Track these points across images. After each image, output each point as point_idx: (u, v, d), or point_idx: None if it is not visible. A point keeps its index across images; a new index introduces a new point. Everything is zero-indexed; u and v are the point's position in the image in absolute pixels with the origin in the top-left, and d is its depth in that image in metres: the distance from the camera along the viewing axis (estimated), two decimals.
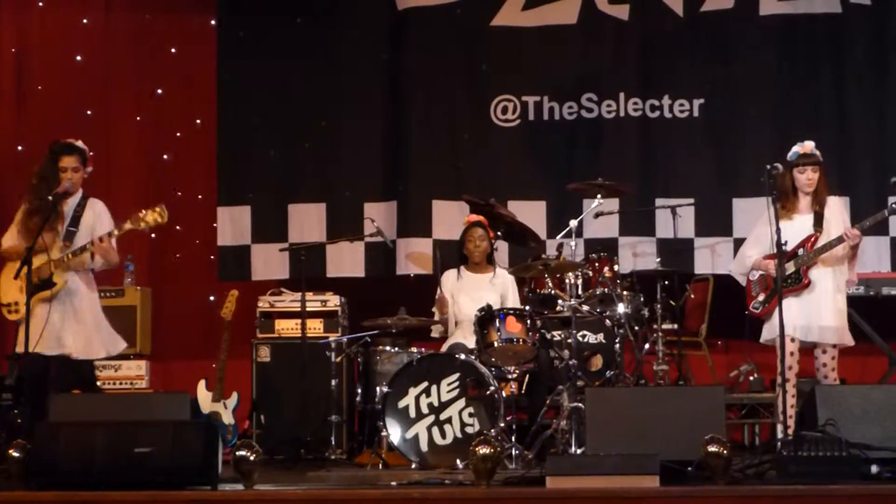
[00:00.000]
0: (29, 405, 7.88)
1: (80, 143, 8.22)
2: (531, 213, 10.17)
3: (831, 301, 7.97)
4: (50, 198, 7.92)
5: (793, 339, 7.83)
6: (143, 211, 7.88)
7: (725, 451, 6.62)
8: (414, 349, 8.95)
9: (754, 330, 8.20)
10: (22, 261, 7.69)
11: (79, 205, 8.15)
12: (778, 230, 7.65)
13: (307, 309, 9.28)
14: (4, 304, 8.03)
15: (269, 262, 10.47)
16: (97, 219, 8.13)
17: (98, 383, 8.69)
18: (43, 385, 7.96)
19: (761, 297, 8.08)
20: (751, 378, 9.69)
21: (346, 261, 10.41)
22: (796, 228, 7.98)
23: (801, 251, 7.95)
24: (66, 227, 8.06)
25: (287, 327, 9.63)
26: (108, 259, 8.08)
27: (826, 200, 8.06)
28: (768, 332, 8.04)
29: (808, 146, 8.05)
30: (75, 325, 8.04)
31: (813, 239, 7.98)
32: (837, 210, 8.13)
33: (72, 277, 8.05)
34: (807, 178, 8.03)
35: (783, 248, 7.69)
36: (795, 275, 7.92)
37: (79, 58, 11.15)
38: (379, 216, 10.19)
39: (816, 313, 7.91)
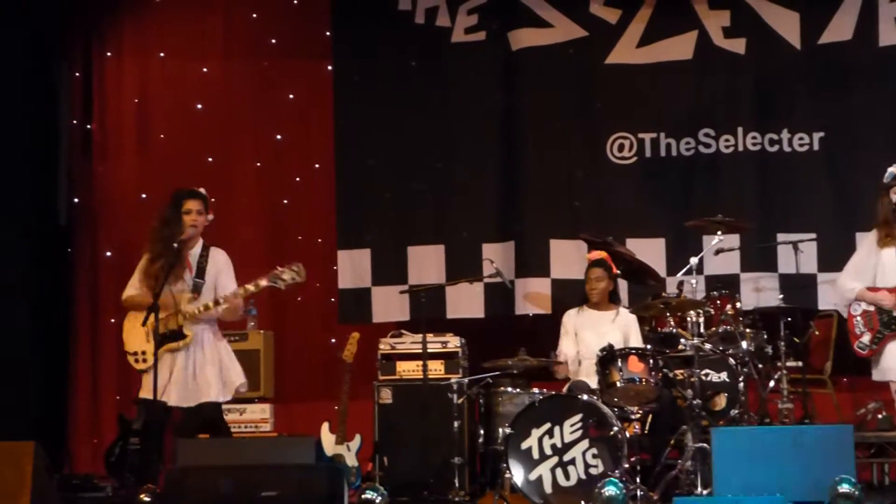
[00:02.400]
0: (154, 450, 7.99)
1: (202, 190, 8.31)
2: (650, 251, 10.12)
3: None
4: (175, 245, 7.99)
5: None
6: (280, 268, 7.90)
7: (856, 492, 6.52)
8: (535, 390, 8.96)
9: (862, 366, 7.99)
10: (149, 308, 7.77)
11: (201, 255, 8.17)
12: None
13: (428, 350, 9.24)
14: (131, 352, 8.05)
15: (390, 304, 10.52)
16: (220, 271, 8.18)
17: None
18: (163, 432, 8.07)
19: (866, 339, 7.82)
20: (879, 416, 9.46)
21: (466, 302, 10.43)
22: None
23: None
24: (194, 279, 8.11)
25: (408, 369, 9.62)
26: (235, 315, 8.14)
27: None
28: (878, 374, 7.86)
29: None
30: (201, 375, 8.08)
31: None
32: None
33: (199, 328, 8.13)
34: None
35: None
36: None
37: (199, 106, 11.35)
38: (497, 256, 10.19)
39: None
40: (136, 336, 8.02)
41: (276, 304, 10.91)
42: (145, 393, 7.92)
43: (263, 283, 7.91)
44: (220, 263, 8.19)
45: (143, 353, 7.98)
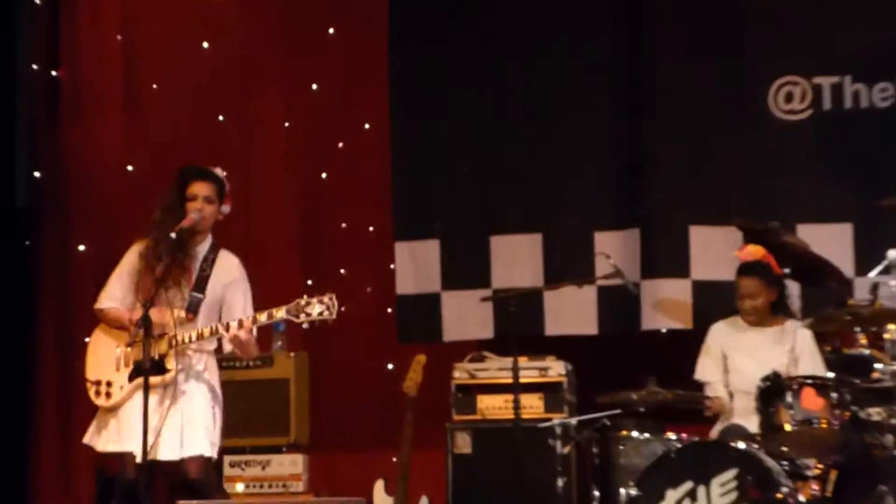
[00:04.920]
0: None
1: (218, 170, 8.39)
2: (831, 242, 10.06)
3: None
4: (172, 234, 8.01)
5: None
6: (305, 299, 7.89)
7: None
8: (671, 435, 8.90)
9: None
10: (140, 319, 7.75)
11: (205, 259, 8.25)
12: None
13: (520, 380, 9.28)
14: (92, 380, 8.11)
15: (467, 316, 10.52)
16: (229, 287, 8.22)
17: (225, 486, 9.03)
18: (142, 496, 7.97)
19: None
20: None
21: (573, 313, 10.39)
22: None
23: None
24: (190, 292, 8.14)
25: (493, 406, 9.71)
26: (246, 353, 8.13)
27: None
28: None
29: None
30: (184, 421, 8.07)
31: None
32: None
33: (193, 359, 8.15)
34: None
35: None
36: None
37: (206, 44, 11.38)
38: (615, 250, 10.20)
39: None
40: (102, 359, 8.09)
41: None
42: (103, 441, 8.03)
43: (280, 314, 7.93)
44: (230, 275, 8.24)
45: (108, 383, 8.05)
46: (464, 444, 9.59)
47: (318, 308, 7.84)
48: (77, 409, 11.02)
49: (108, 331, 8.14)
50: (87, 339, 10.65)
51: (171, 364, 8.00)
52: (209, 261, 8.22)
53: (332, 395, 10.78)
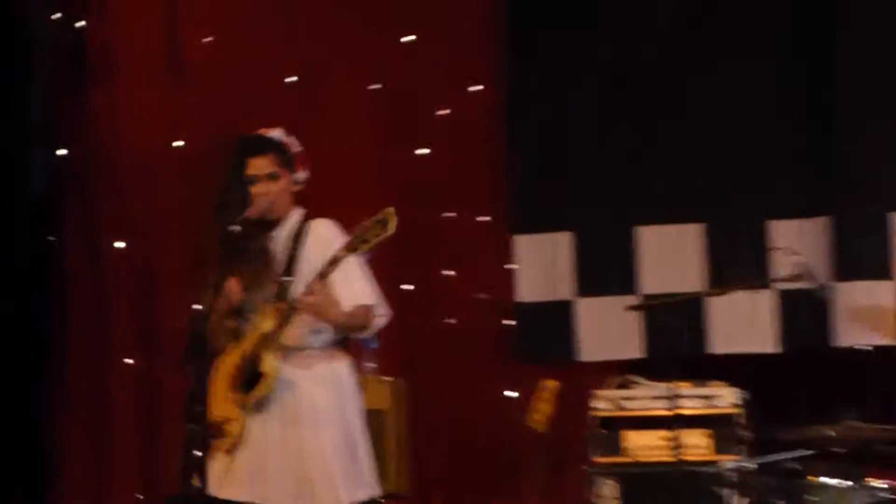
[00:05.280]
0: None
1: (276, 134, 8.21)
2: None
3: None
4: (235, 228, 7.81)
5: None
6: (360, 226, 7.71)
7: None
8: (877, 482, 8.32)
9: None
10: (188, 342, 7.54)
11: (293, 238, 8.07)
12: None
13: (681, 412, 9.29)
14: (212, 424, 7.98)
15: (608, 329, 10.53)
16: (326, 252, 7.94)
17: None
18: None
19: None
20: None
21: (745, 325, 10.34)
22: None
23: None
24: (279, 279, 8.04)
25: (645, 445, 9.59)
26: (331, 318, 7.91)
27: None
28: None
29: None
30: (306, 450, 7.91)
31: None
32: None
33: (293, 363, 7.98)
34: None
35: None
36: None
37: None
38: (798, 244, 10.07)
39: None
40: (220, 395, 7.97)
41: (410, 332, 10.80)
42: (215, 485, 7.78)
43: (342, 255, 7.73)
44: (326, 243, 7.93)
45: (227, 420, 7.91)
46: (609, 493, 9.46)
47: (373, 231, 7.59)
48: (116, 451, 11.29)
49: (221, 361, 7.97)
50: (129, 360, 11.32)
51: (266, 367, 7.80)
52: (297, 237, 8.08)
53: (438, 431, 10.75)
